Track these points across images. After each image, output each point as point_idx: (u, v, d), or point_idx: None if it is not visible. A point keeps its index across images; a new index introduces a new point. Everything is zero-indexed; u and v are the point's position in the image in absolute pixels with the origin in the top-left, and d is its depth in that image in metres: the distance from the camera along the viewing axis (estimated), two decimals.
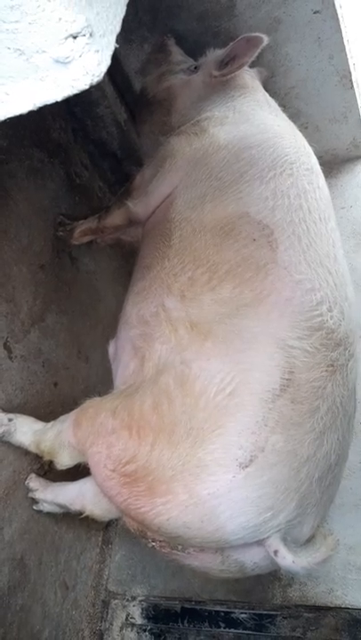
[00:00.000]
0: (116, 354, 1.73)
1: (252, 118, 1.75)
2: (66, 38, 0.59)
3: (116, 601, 2.04)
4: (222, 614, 1.88)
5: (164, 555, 1.38)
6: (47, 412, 1.85)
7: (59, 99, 0.65)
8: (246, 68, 1.91)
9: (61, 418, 1.60)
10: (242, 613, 1.85)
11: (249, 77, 1.96)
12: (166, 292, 1.50)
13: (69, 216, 2.10)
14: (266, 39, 1.70)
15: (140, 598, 2.02)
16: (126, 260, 2.50)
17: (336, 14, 1.99)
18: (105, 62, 0.63)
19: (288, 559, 1.20)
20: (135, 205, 1.84)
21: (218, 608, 1.89)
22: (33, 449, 1.63)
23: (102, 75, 0.63)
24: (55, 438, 1.56)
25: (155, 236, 1.69)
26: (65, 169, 2.18)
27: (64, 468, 1.58)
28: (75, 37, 0.59)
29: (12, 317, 1.74)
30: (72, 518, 1.91)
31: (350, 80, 2.22)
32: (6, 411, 1.65)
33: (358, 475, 1.92)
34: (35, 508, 1.74)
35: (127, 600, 2.03)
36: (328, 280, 1.39)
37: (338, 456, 1.31)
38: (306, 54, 2.14)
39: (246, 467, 1.17)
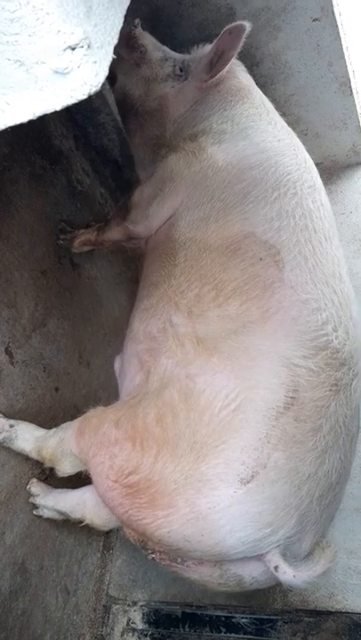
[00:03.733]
0: (121, 369, 1.73)
1: (252, 134, 1.72)
2: (64, 50, 0.61)
3: (117, 606, 2.04)
4: (223, 619, 1.88)
5: (164, 567, 1.40)
6: (48, 417, 1.86)
7: (58, 108, 0.67)
8: (239, 63, 1.88)
9: (63, 425, 1.61)
10: (243, 618, 1.85)
11: (242, 75, 1.91)
12: (173, 308, 1.51)
13: (70, 223, 2.11)
14: (248, 25, 1.66)
15: (141, 603, 2.02)
16: (128, 266, 2.52)
17: (335, 22, 2.01)
18: (103, 73, 0.64)
19: (289, 574, 1.21)
20: (135, 227, 1.84)
21: (219, 613, 1.89)
22: (34, 455, 1.64)
23: (100, 85, 0.65)
24: (57, 446, 1.57)
25: (159, 255, 1.69)
26: (66, 176, 2.20)
27: (65, 475, 1.60)
28: (73, 49, 0.61)
29: (13, 323, 1.76)
30: (73, 523, 1.91)
31: (350, 87, 2.24)
32: (8, 416, 1.66)
33: (359, 479, 1.93)
34: (35, 513, 1.75)
35: (128, 605, 2.03)
36: (333, 300, 1.40)
37: (339, 475, 1.32)
38: (305, 62, 2.16)
39: (248, 482, 1.18)
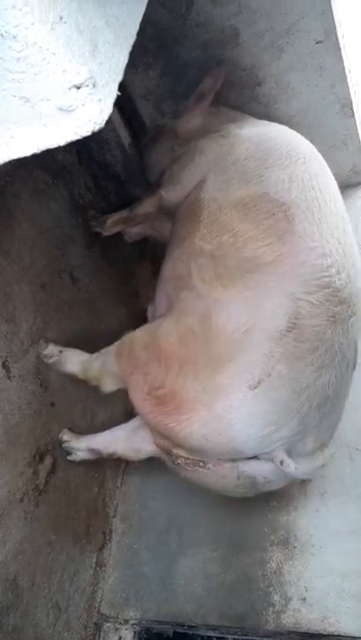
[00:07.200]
0: (153, 312, 1.99)
1: (266, 124, 2.05)
2: (69, 89, 0.62)
3: (109, 624, 2.03)
4: (215, 639, 1.86)
5: (188, 472, 1.65)
6: (44, 431, 1.86)
7: (62, 143, 0.67)
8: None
9: (103, 350, 1.90)
10: (234, 639, 1.83)
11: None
12: (199, 253, 1.72)
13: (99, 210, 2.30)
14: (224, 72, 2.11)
15: (132, 622, 2.00)
16: (127, 281, 2.52)
17: (338, 44, 2.03)
18: (107, 110, 0.65)
19: (292, 466, 1.47)
20: (168, 193, 2.09)
21: (210, 633, 1.87)
22: (81, 376, 1.93)
23: (104, 122, 0.65)
24: (101, 367, 1.87)
25: (187, 215, 1.93)
26: (68, 190, 2.20)
27: (108, 392, 1.88)
28: (78, 88, 0.62)
29: (11, 337, 1.76)
30: (66, 539, 1.91)
31: (351, 108, 2.26)
32: (5, 427, 1.67)
33: (354, 501, 1.92)
34: (69, 458, 1.97)
35: (120, 623, 2.01)
36: (338, 249, 1.58)
37: (335, 391, 1.52)
38: (308, 83, 2.18)
39: (255, 388, 1.42)
